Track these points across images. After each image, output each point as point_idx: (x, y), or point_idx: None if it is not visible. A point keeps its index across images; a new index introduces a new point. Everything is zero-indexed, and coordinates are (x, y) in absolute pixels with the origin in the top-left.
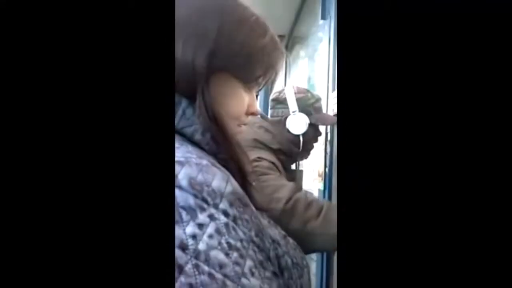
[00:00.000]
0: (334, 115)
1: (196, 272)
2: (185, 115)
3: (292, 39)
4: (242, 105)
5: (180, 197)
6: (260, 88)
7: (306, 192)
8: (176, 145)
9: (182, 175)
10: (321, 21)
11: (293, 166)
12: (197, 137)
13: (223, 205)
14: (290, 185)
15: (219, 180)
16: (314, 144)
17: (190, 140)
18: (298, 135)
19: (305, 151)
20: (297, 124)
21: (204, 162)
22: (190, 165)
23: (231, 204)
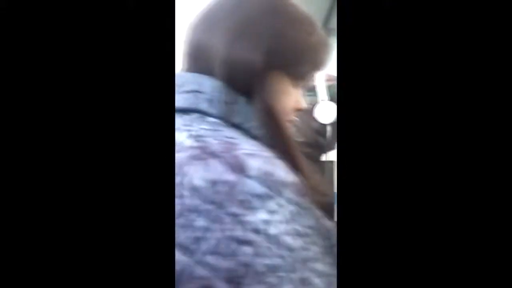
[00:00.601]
0: None
1: (270, 254)
2: (243, 112)
3: (327, 31)
4: (292, 101)
5: (250, 185)
6: (306, 84)
7: None
8: (237, 138)
9: (251, 165)
10: None
11: (324, 158)
12: (254, 132)
13: (287, 193)
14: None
15: (283, 170)
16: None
17: (247, 134)
18: (325, 125)
19: (333, 142)
20: (326, 113)
21: (267, 154)
22: (256, 156)
23: (295, 193)
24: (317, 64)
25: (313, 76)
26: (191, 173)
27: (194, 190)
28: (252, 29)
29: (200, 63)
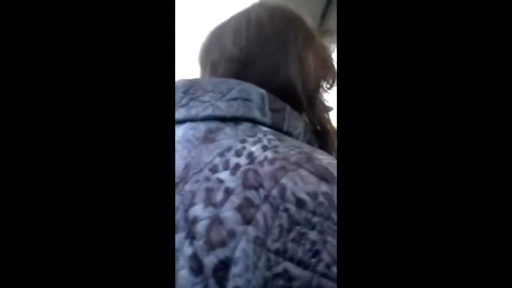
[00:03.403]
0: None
1: None
2: (291, 120)
3: (322, 33)
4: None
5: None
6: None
7: None
8: (303, 147)
9: (336, 175)
10: None
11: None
12: (302, 138)
13: None
14: None
15: None
16: None
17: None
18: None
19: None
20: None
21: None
22: (334, 165)
23: None
24: (334, 76)
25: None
26: (291, 185)
27: (301, 203)
28: (311, 48)
29: (247, 73)
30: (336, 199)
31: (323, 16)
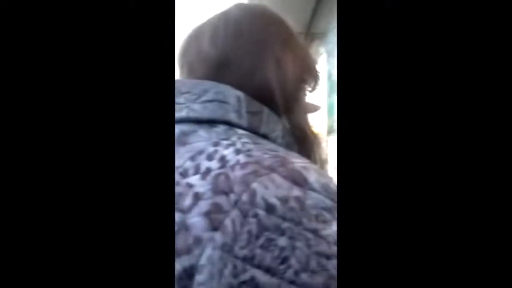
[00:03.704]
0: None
1: None
2: (268, 123)
3: (311, 36)
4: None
5: (317, 199)
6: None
7: None
8: (279, 150)
9: (312, 179)
10: None
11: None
12: (279, 141)
13: None
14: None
15: (332, 182)
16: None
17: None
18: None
19: None
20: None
21: (315, 166)
22: (312, 169)
23: None
24: (316, 78)
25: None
26: (261, 190)
27: (270, 208)
28: (288, 55)
29: (223, 76)
30: (309, 204)
31: (311, 20)
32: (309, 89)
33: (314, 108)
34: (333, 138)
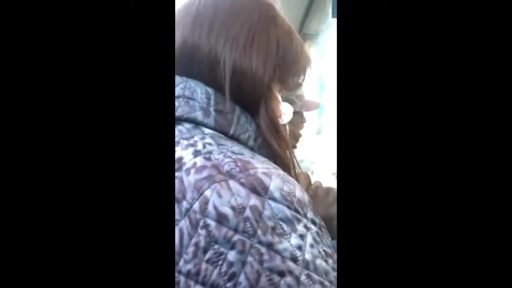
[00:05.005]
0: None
1: (311, 282)
2: (240, 122)
3: (302, 37)
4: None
5: (277, 209)
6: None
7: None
8: (244, 153)
9: (273, 187)
10: (331, 19)
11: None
12: (251, 143)
13: (309, 214)
14: (303, 174)
15: (299, 189)
16: (302, 132)
17: (246, 148)
18: (284, 125)
19: (293, 139)
20: (282, 114)
21: (281, 172)
22: (275, 176)
23: (314, 213)
24: (305, 73)
25: (299, 85)
26: (214, 198)
27: (222, 218)
28: (260, 39)
29: (190, 67)
30: (267, 214)
31: (303, 21)
32: (294, 82)
33: (315, 105)
34: (321, 138)
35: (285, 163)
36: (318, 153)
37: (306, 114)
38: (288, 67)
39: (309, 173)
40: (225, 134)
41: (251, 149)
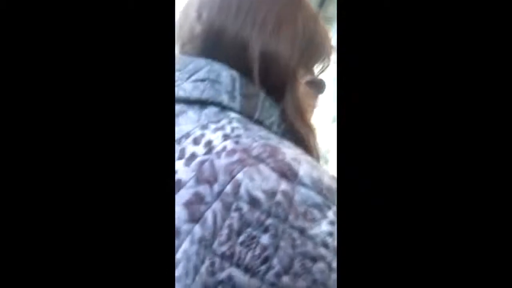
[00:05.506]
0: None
1: None
2: (264, 107)
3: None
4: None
5: (306, 195)
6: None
7: None
8: (272, 138)
9: (302, 172)
10: None
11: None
12: (275, 128)
13: (335, 201)
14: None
15: (328, 176)
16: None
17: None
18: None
19: None
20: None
21: (309, 157)
22: (304, 161)
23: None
24: (327, 58)
25: (324, 70)
26: (246, 182)
27: (254, 202)
28: (287, 23)
29: (216, 49)
30: (297, 200)
31: (322, 3)
32: (316, 69)
33: (321, 84)
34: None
35: (309, 149)
36: (334, 141)
37: (320, 100)
38: (313, 51)
39: (323, 162)
40: (250, 118)
41: (275, 134)
